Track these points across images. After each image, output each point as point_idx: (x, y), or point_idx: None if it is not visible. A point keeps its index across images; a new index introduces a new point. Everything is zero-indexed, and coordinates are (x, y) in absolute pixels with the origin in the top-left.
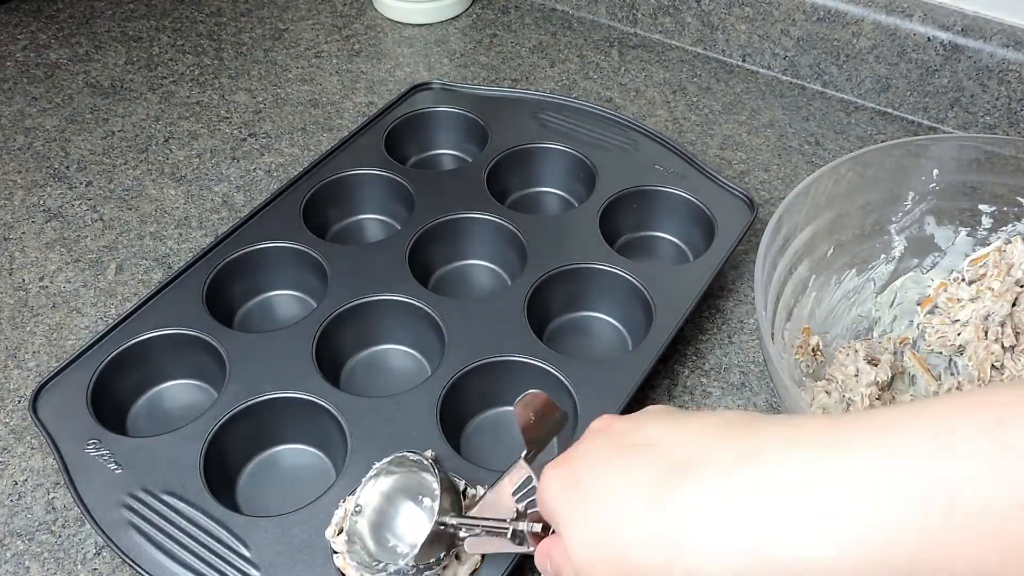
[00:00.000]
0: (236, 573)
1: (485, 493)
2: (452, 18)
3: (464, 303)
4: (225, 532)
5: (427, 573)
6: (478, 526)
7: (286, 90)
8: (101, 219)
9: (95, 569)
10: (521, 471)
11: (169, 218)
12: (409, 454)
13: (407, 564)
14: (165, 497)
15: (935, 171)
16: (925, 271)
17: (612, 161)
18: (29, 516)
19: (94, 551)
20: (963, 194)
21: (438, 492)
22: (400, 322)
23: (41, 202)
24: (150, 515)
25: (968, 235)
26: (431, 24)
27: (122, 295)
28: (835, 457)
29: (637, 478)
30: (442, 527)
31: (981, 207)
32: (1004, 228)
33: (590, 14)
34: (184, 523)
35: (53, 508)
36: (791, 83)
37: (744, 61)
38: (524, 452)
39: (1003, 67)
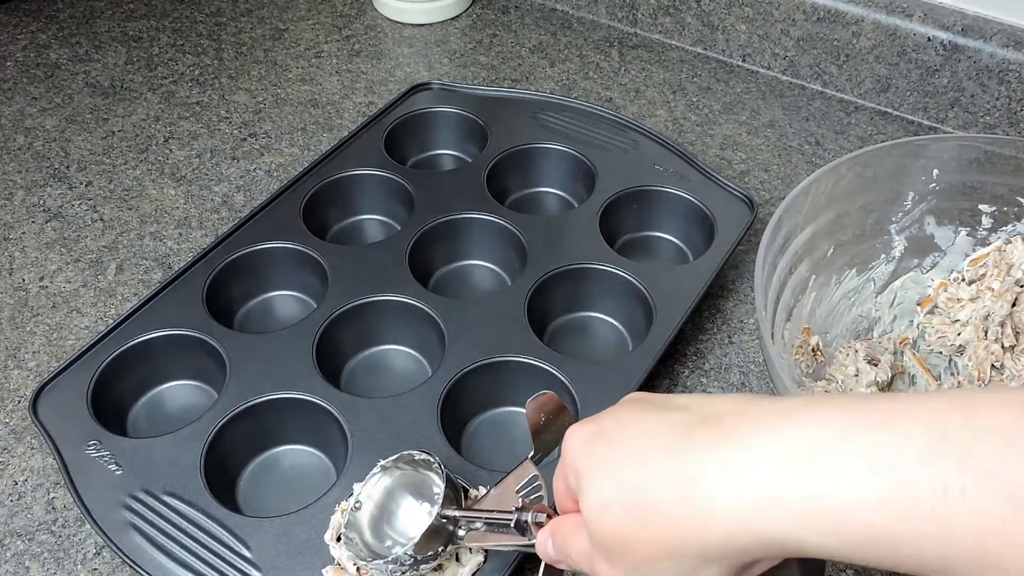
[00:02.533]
0: (237, 574)
1: (488, 491)
2: (452, 18)
3: (464, 303)
4: (226, 533)
5: (423, 567)
6: (480, 519)
7: (286, 90)
8: (101, 219)
9: (95, 569)
10: (527, 470)
11: (169, 218)
12: (415, 452)
13: (405, 553)
14: (166, 498)
15: (935, 171)
16: (925, 271)
17: (612, 161)
18: (29, 516)
19: (94, 551)
20: (963, 194)
21: (442, 486)
22: (400, 322)
23: (41, 202)
24: (151, 516)
25: (968, 235)
26: (431, 24)
27: (122, 295)
28: (866, 431)
29: (665, 427)
30: (443, 520)
31: (981, 207)
32: (1004, 228)
33: (590, 14)
34: (185, 524)
35: (53, 508)
36: (791, 83)
37: (744, 61)
38: (531, 453)
39: (1003, 67)
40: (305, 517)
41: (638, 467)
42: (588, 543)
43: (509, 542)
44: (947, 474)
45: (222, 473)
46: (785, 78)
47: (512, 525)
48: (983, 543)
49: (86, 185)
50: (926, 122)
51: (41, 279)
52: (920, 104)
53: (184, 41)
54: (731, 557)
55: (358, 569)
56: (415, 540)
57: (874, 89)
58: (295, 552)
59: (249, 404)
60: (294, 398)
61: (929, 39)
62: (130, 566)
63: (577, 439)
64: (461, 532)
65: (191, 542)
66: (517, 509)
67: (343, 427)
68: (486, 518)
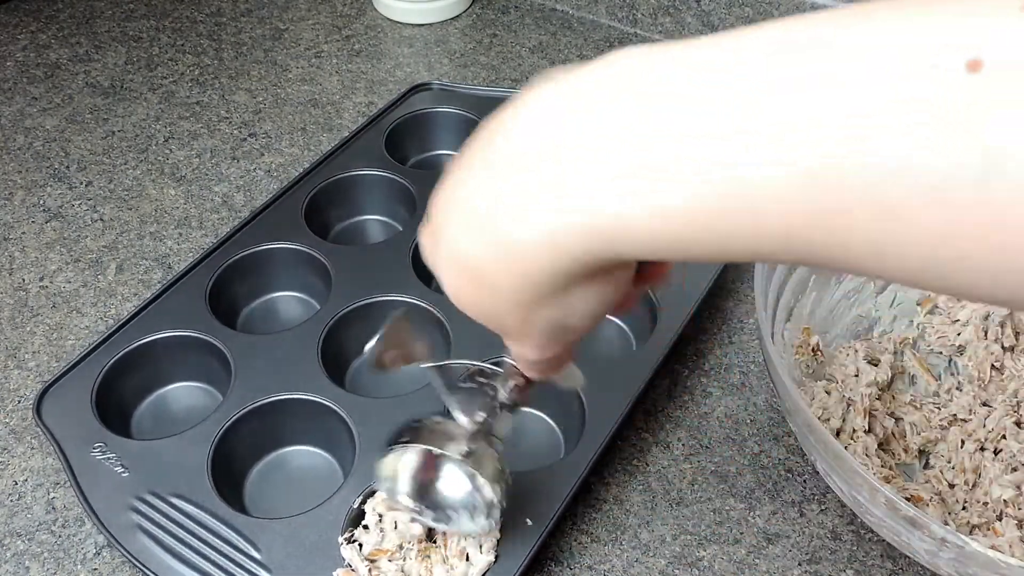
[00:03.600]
0: (247, 575)
1: (453, 409)
2: (452, 18)
3: None
4: (235, 534)
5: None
6: (484, 423)
7: (286, 90)
8: (101, 219)
9: (95, 569)
10: (436, 373)
11: (169, 218)
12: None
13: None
14: (173, 500)
15: None
16: None
17: None
18: (29, 516)
19: (94, 551)
20: None
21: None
22: None
23: (41, 202)
24: (158, 518)
25: None
26: (431, 24)
27: (122, 295)
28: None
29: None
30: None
31: None
32: None
33: (590, 14)
34: (193, 526)
35: (53, 508)
36: None
37: None
38: (421, 365)
39: None
40: (314, 518)
41: (471, 215)
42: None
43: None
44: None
45: (229, 474)
46: None
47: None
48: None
49: (86, 185)
50: None
51: (41, 279)
52: None
53: (184, 41)
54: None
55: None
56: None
57: None
58: (305, 553)
59: (255, 405)
60: (300, 399)
61: None
62: (140, 569)
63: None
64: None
65: (200, 544)
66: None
67: (350, 427)
68: (489, 417)
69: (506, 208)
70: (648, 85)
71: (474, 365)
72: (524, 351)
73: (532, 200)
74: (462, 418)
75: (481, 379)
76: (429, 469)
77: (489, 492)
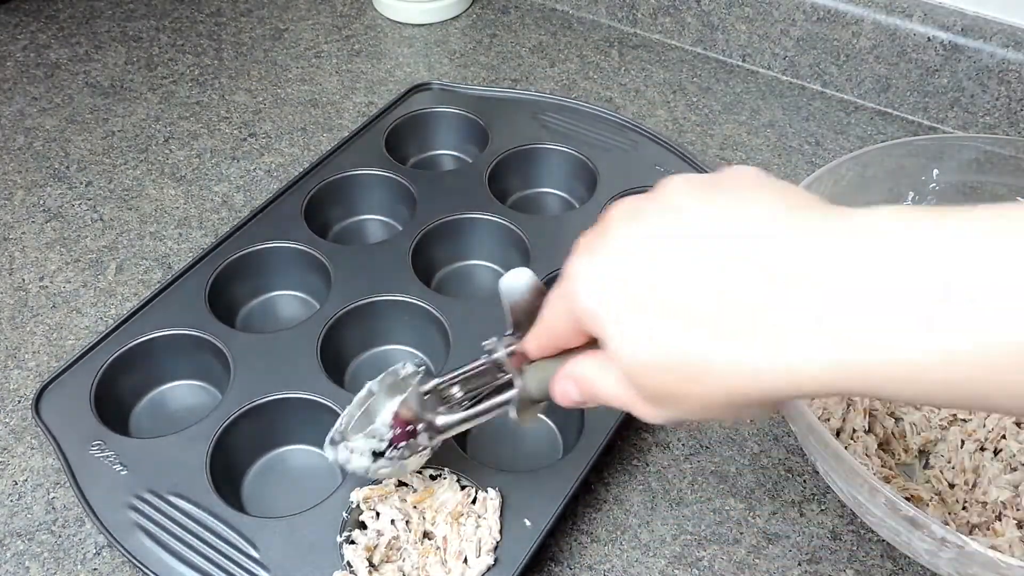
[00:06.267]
0: (245, 574)
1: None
2: (452, 18)
3: (467, 303)
4: (233, 533)
5: (407, 452)
6: (454, 381)
7: (286, 90)
8: (101, 219)
9: (95, 569)
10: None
11: (169, 218)
12: (400, 369)
13: (382, 424)
14: (171, 498)
15: (935, 171)
16: None
17: (613, 161)
18: (29, 516)
19: (94, 551)
20: (963, 194)
21: (414, 368)
22: (404, 322)
23: (41, 202)
24: (157, 516)
25: None
26: (431, 24)
27: (122, 295)
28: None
29: (711, 273)
30: (422, 394)
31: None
32: None
33: (590, 14)
34: (191, 524)
35: (53, 508)
36: (791, 83)
37: (744, 61)
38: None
39: (1003, 67)
40: (313, 517)
41: (686, 331)
42: (622, 385)
43: (489, 404)
44: None
45: (227, 473)
46: (785, 78)
47: (486, 370)
48: None
49: (86, 185)
50: (926, 122)
51: (41, 279)
52: (920, 104)
53: (184, 41)
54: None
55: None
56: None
57: (874, 89)
58: (303, 552)
59: (254, 404)
60: (299, 398)
61: (929, 39)
62: (138, 568)
63: (584, 267)
64: (439, 420)
65: (198, 542)
66: (487, 352)
67: None
68: (460, 377)
69: (751, 325)
70: (942, 241)
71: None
72: (640, 412)
73: (791, 327)
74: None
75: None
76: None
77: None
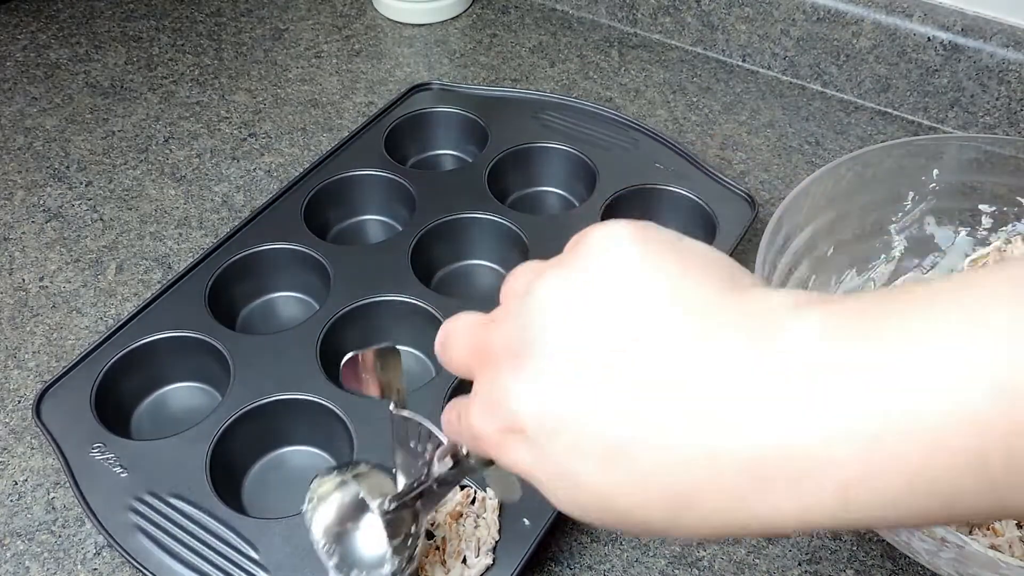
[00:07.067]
0: (245, 575)
1: (396, 472)
2: (452, 18)
3: (467, 303)
4: (233, 535)
5: (407, 559)
6: (414, 495)
7: (286, 90)
8: (101, 219)
9: (95, 569)
10: (399, 422)
11: (169, 218)
12: (323, 476)
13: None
14: (172, 500)
15: (935, 171)
16: (925, 271)
17: (613, 160)
18: (29, 516)
19: (94, 551)
20: (963, 194)
21: (360, 491)
22: (404, 323)
23: (41, 202)
24: (157, 518)
25: (968, 235)
26: (431, 24)
27: (122, 295)
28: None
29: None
30: (389, 514)
31: (981, 207)
32: (1004, 228)
33: (590, 14)
34: (192, 526)
35: (53, 508)
36: (791, 83)
37: (744, 61)
38: (391, 404)
39: (1003, 67)
40: None
41: (628, 420)
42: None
43: (454, 483)
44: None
45: (227, 475)
46: (785, 78)
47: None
48: None
49: (86, 185)
50: (926, 122)
51: (41, 279)
52: (920, 104)
53: (184, 41)
54: None
55: None
56: (390, 549)
57: (874, 89)
58: (304, 554)
59: (254, 405)
60: (299, 399)
61: (929, 39)
62: (139, 569)
63: (500, 341)
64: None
65: (198, 544)
66: (424, 475)
67: (348, 428)
68: (419, 491)
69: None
70: None
71: (430, 429)
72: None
73: (802, 474)
74: (400, 479)
75: (427, 446)
76: (354, 515)
77: (388, 569)
